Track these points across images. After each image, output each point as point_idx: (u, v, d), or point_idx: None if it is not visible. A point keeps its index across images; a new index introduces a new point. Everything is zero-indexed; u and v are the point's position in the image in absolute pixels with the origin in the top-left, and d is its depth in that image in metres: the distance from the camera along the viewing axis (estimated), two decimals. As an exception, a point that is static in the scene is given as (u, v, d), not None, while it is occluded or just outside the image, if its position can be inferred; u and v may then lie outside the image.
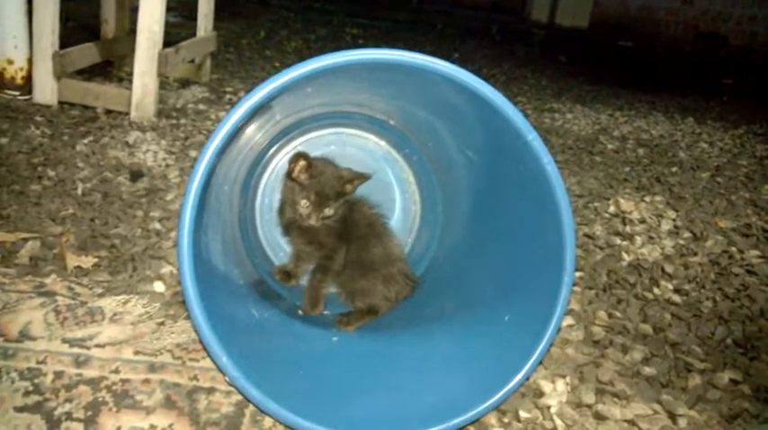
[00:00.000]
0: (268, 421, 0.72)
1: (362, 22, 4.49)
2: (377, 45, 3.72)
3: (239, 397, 0.75)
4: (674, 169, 1.87)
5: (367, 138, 1.12)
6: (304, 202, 0.91)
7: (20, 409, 0.70)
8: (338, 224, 0.96)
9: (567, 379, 0.86)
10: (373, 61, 0.71)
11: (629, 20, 5.02)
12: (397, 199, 1.13)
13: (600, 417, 0.80)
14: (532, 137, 0.72)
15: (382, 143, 1.13)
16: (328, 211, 0.92)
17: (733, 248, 1.35)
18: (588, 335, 0.98)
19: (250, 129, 0.86)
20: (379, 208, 1.03)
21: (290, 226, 0.98)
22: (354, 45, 3.68)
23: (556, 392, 0.83)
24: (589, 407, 0.82)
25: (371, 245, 0.98)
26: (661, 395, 0.86)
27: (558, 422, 0.78)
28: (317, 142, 1.11)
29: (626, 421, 0.80)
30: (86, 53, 1.95)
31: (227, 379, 0.70)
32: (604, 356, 0.93)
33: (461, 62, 3.46)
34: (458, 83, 0.71)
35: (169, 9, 3.57)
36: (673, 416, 0.82)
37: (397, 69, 0.73)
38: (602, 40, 4.87)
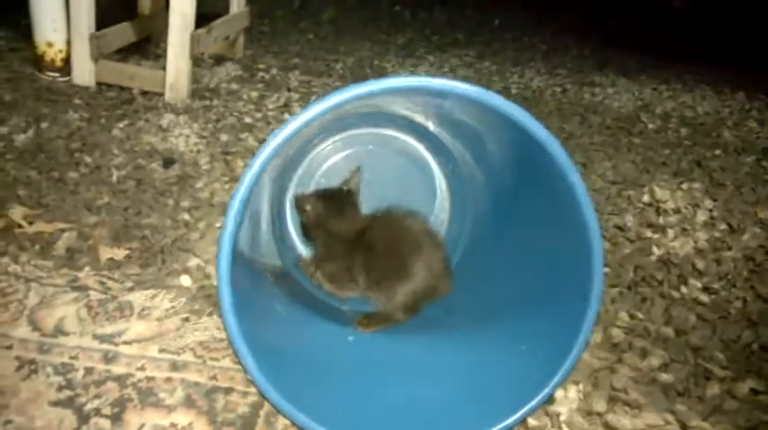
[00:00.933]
0: (281, 423, 0.75)
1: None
2: (414, 11, 3.65)
3: (255, 398, 0.78)
4: (716, 152, 1.80)
5: (405, 141, 1.12)
6: None
7: (54, 404, 0.75)
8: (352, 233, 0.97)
9: (581, 385, 0.86)
10: (423, 88, 0.72)
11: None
12: (429, 204, 1.13)
13: (609, 428, 0.80)
14: (575, 180, 0.71)
15: (420, 148, 1.12)
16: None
17: (770, 242, 1.31)
18: (607, 338, 0.97)
19: None
20: (419, 217, 1.02)
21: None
22: (392, 13, 3.61)
23: (567, 399, 0.84)
24: (600, 415, 0.82)
25: (407, 254, 0.96)
26: (675, 405, 0.85)
27: (567, 431, 0.79)
28: (356, 140, 1.11)
29: (637, 432, 0.80)
30: (123, 33, 1.99)
31: (249, 377, 0.73)
32: (621, 361, 0.93)
33: (501, 30, 3.38)
34: (513, 120, 0.72)
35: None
36: (685, 428, 0.81)
37: (449, 95, 0.73)
38: (657, 1, 4.62)
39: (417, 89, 0.73)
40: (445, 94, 0.73)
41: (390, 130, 1.11)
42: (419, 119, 1.05)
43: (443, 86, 0.71)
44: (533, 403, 0.74)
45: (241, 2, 2.31)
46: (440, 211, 1.13)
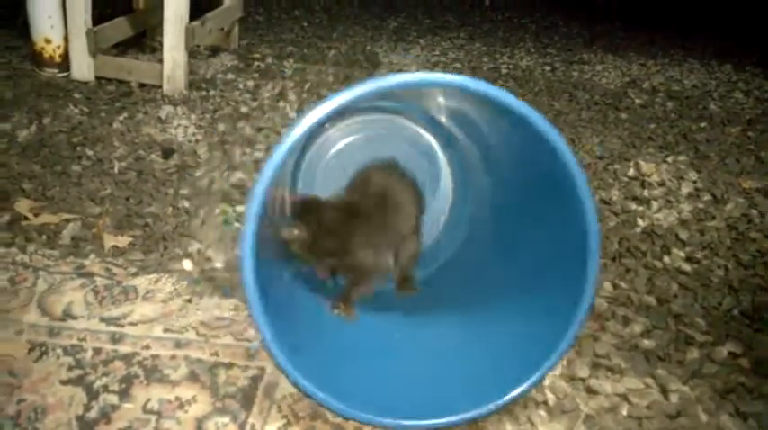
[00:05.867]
0: (279, 393, 0.80)
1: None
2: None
3: (255, 371, 0.83)
4: (702, 124, 1.83)
5: (417, 131, 1.14)
6: None
7: (64, 382, 0.79)
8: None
9: (564, 352, 0.91)
10: (442, 83, 0.72)
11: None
12: (433, 191, 1.15)
13: (591, 391, 0.85)
14: (586, 197, 0.73)
15: (430, 138, 1.15)
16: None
17: (753, 211, 1.35)
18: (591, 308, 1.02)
19: None
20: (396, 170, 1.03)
21: None
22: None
23: (552, 365, 0.88)
24: (582, 380, 0.87)
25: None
26: (656, 369, 0.90)
27: (550, 395, 0.83)
28: (369, 125, 1.13)
29: (617, 395, 0.85)
30: (119, 28, 2.02)
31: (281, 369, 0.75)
32: (604, 329, 0.97)
33: (492, 11, 3.40)
34: (534, 127, 0.72)
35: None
36: (664, 391, 0.86)
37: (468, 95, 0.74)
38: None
39: (411, 84, 0.72)
40: (440, 87, 0.75)
41: (402, 118, 1.14)
42: (433, 110, 1.08)
43: (435, 80, 0.71)
44: (539, 373, 0.76)
45: (234, -7, 2.33)
46: (443, 201, 1.17)
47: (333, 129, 1.13)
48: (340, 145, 1.14)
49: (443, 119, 1.07)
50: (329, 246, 0.91)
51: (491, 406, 0.76)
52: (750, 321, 1.02)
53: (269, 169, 0.69)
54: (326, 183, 1.11)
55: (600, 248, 0.74)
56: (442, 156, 1.16)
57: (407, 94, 1.02)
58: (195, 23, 1.88)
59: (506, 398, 0.76)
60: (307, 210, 0.93)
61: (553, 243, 0.84)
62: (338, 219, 0.91)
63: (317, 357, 0.81)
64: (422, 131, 1.15)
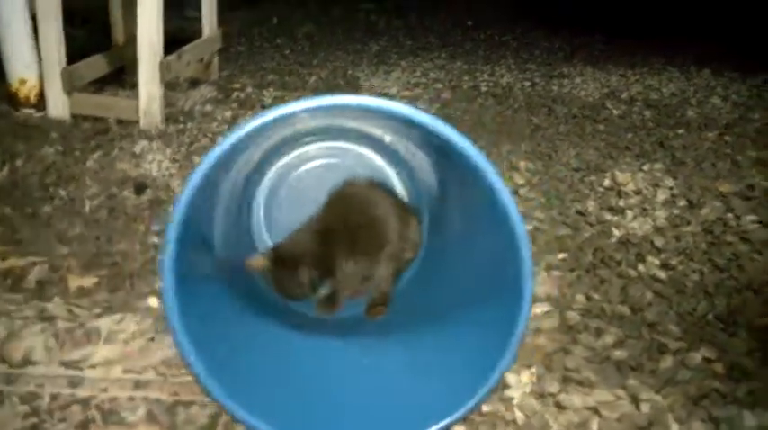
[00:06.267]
0: (239, 430, 0.78)
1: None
2: (389, 18, 3.69)
3: (214, 409, 0.81)
4: (679, 131, 1.83)
5: (361, 153, 1.15)
6: None
7: (19, 431, 0.78)
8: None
9: (534, 369, 0.89)
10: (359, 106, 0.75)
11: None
12: None
13: (561, 407, 0.83)
14: (495, 181, 0.73)
15: (378, 158, 1.15)
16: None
17: (729, 215, 1.33)
18: (563, 321, 1.00)
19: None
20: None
21: None
22: (368, 21, 3.66)
23: (521, 383, 0.86)
24: (552, 396, 0.85)
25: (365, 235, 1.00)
26: (628, 380, 0.88)
27: (519, 414, 0.82)
28: (317, 154, 1.14)
29: (587, 409, 0.83)
30: (95, 65, 2.03)
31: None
32: (575, 342, 0.95)
33: (474, 30, 3.41)
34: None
35: (187, 4, 3.63)
36: (636, 401, 0.84)
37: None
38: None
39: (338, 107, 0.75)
40: (360, 109, 0.76)
41: (347, 143, 1.14)
42: (375, 132, 1.08)
43: (359, 103, 0.74)
44: (485, 389, 0.76)
45: (213, 26, 2.35)
46: None
47: (284, 159, 1.13)
48: (294, 174, 1.14)
49: (388, 139, 1.08)
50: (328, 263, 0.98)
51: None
52: (725, 325, 1.00)
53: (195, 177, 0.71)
54: (291, 207, 1.11)
55: (529, 246, 0.74)
56: (394, 177, 1.16)
57: (348, 115, 1.03)
58: (171, 57, 1.89)
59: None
60: (283, 259, 0.98)
61: (494, 251, 0.84)
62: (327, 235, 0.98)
63: (245, 376, 0.79)
64: (369, 154, 1.15)
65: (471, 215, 0.91)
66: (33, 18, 1.83)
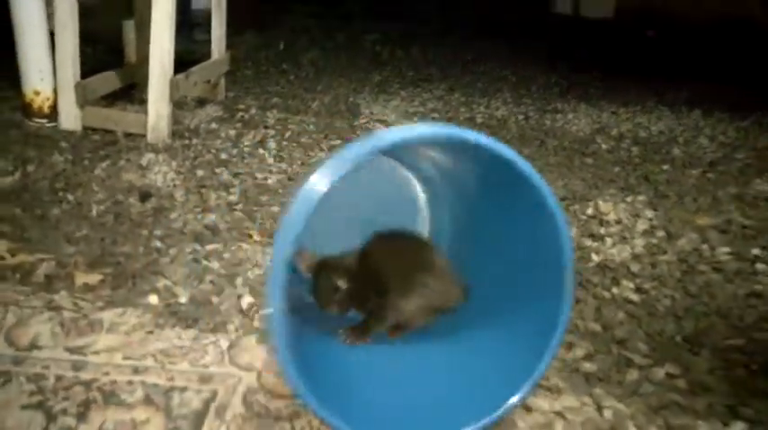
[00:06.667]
0: (229, 413, 0.84)
1: (380, 26, 4.56)
2: (393, 49, 3.81)
3: (207, 395, 0.87)
4: (665, 167, 1.91)
5: (382, 160, 1.15)
6: None
7: (24, 407, 0.83)
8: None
9: (507, 375, 0.95)
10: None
11: (656, 7, 4.94)
12: (410, 220, 1.18)
13: (528, 409, 0.88)
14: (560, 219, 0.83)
15: (398, 166, 1.16)
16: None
17: (705, 246, 1.40)
18: (538, 335, 1.06)
19: None
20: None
21: None
22: (373, 51, 3.77)
23: (494, 387, 0.92)
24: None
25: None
26: (594, 389, 0.94)
27: (490, 414, 0.87)
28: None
29: (553, 412, 0.88)
30: (107, 80, 2.13)
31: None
32: (548, 354, 1.01)
33: (475, 63, 3.53)
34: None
35: (198, 25, 3.73)
36: (600, 408, 0.90)
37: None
38: (628, 30, 4.80)
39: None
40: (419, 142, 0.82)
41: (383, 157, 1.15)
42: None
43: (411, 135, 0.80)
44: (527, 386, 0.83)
45: (221, 49, 2.46)
46: (421, 227, 1.18)
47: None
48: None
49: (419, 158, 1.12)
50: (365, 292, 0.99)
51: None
52: (691, 345, 1.06)
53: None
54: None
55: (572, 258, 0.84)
56: (416, 184, 1.18)
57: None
58: (179, 77, 1.99)
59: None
60: (326, 267, 1.01)
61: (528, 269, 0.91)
62: (369, 267, 0.99)
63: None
64: (391, 161, 1.16)
65: (508, 222, 0.96)
66: (51, 33, 1.93)
